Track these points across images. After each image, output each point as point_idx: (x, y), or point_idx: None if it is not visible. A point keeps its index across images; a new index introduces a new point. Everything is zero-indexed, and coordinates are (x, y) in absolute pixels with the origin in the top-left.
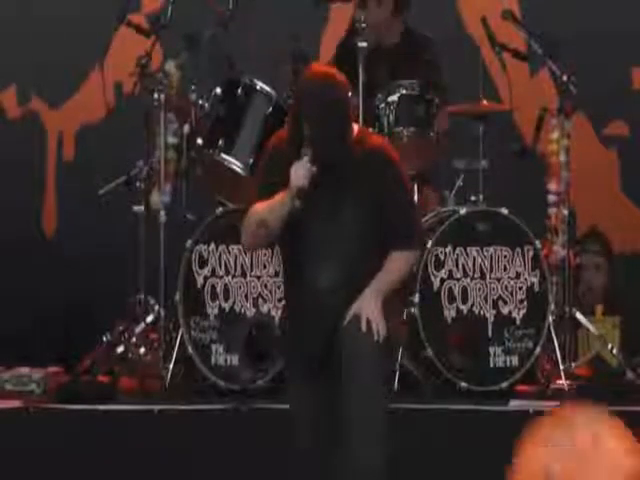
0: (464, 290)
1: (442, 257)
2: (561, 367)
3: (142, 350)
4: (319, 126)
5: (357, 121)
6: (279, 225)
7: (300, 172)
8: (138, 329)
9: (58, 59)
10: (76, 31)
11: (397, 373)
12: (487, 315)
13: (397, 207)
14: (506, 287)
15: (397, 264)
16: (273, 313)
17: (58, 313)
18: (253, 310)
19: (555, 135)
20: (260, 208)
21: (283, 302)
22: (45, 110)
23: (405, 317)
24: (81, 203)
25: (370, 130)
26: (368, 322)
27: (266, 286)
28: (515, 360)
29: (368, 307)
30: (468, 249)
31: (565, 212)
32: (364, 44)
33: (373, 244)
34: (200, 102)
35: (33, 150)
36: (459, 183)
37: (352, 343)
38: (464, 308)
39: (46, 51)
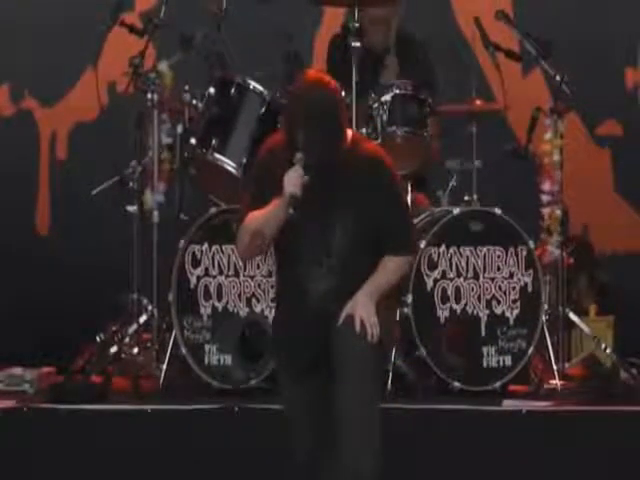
0: (457, 290)
1: (435, 257)
2: (554, 367)
3: (135, 350)
4: (313, 133)
5: (351, 127)
6: (274, 233)
7: (293, 180)
8: (131, 329)
9: (52, 58)
10: (70, 30)
11: (390, 373)
12: (480, 315)
13: (392, 214)
14: (499, 287)
15: (391, 268)
16: (266, 313)
17: (51, 312)
18: (246, 310)
19: (548, 135)
20: (254, 218)
21: (275, 303)
22: (38, 109)
23: (398, 317)
24: (74, 202)
25: (364, 136)
26: (361, 323)
27: (259, 286)
28: (508, 360)
29: (361, 308)
30: (461, 249)
31: (558, 212)
32: (357, 44)
33: (366, 248)
34: (193, 102)
35: (26, 148)
36: (452, 183)
37: (345, 344)
38: (457, 308)
39: (40, 50)
